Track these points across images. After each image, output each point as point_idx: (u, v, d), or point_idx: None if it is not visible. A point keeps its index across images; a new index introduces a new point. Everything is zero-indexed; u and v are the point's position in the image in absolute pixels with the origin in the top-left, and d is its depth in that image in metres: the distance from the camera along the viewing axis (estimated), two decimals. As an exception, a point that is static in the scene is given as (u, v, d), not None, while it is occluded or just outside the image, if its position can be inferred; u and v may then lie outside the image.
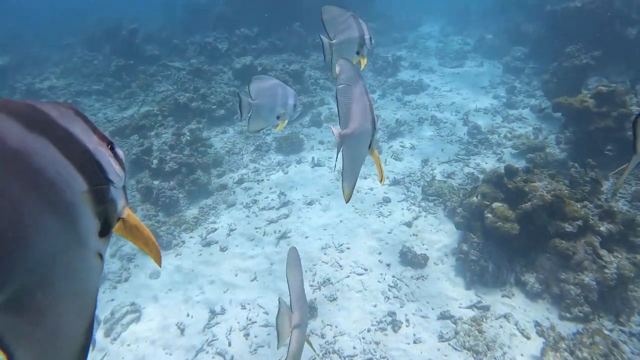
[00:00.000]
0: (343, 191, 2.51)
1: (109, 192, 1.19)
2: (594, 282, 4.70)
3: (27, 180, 0.92)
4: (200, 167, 8.41)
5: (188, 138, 9.33)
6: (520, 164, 8.04)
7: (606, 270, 4.72)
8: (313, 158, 8.82)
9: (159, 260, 1.40)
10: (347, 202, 2.55)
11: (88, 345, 1.12)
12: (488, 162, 8.37)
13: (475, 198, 5.95)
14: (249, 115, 3.98)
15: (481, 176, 7.87)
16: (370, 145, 2.46)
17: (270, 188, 8.16)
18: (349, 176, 2.51)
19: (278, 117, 4.03)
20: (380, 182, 2.59)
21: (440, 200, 7.35)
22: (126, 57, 14.12)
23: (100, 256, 1.15)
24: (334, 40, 3.39)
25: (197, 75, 12.82)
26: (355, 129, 2.31)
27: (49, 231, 0.95)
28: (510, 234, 5.35)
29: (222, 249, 6.75)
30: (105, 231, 1.17)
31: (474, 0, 21.39)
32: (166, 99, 11.13)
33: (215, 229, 7.21)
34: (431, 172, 8.21)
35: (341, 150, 2.34)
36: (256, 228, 7.16)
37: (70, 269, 1.05)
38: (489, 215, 5.56)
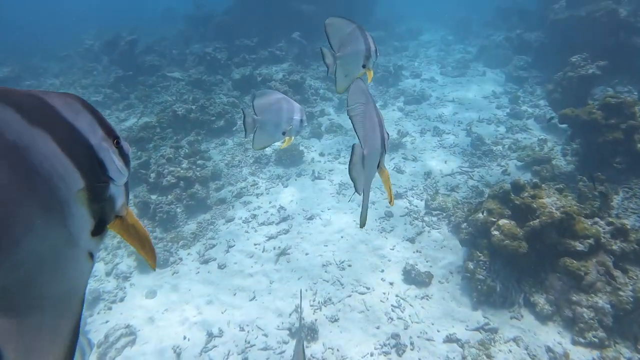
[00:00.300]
0: (360, 216, 2.46)
1: (107, 190, 1.16)
2: (609, 305, 4.50)
3: (21, 176, 0.90)
4: (199, 180, 8.23)
5: (187, 151, 9.18)
6: (526, 176, 7.87)
7: (621, 293, 4.52)
8: (313, 171, 8.64)
9: (154, 263, 1.33)
10: (362, 227, 2.51)
11: (75, 345, 1.08)
12: (492, 175, 8.18)
13: (480, 214, 5.76)
14: (254, 132, 3.80)
15: (486, 189, 7.70)
16: (379, 165, 2.39)
17: (270, 202, 7.98)
18: (366, 197, 2.43)
19: (284, 133, 3.83)
20: (390, 203, 2.46)
21: (444, 214, 7.16)
22: (125, 68, 14.00)
23: (91, 255, 1.12)
24: (338, 54, 3.22)
25: (197, 86, 12.69)
26: (370, 150, 2.25)
27: (38, 229, 0.93)
28: (518, 253, 5.15)
29: (221, 267, 6.55)
30: (99, 230, 1.13)
31: (475, 8, 21.35)
32: (165, 110, 10.98)
33: (214, 245, 7.02)
34: (434, 185, 8.03)
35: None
36: (255, 244, 6.97)
37: (59, 269, 1.02)
38: (496, 232, 5.37)
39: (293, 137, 3.93)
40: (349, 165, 2.28)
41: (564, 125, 8.25)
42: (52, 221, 0.97)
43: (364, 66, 3.30)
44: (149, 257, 1.32)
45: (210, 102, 10.95)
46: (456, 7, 23.07)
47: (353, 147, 2.24)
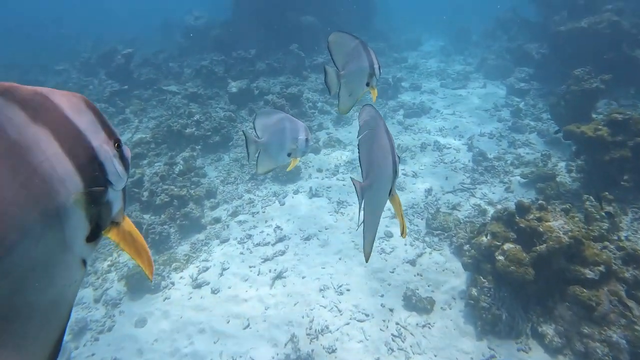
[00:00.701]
0: (364, 249, 2.33)
1: (105, 195, 1.13)
2: (624, 340, 4.23)
3: (19, 176, 0.87)
4: (193, 199, 7.99)
5: (181, 167, 8.95)
6: (530, 194, 7.64)
7: (637, 327, 4.25)
8: (311, 188, 8.40)
9: (150, 273, 1.29)
10: (367, 261, 2.40)
11: (57, 356, 1.05)
12: (495, 192, 7.94)
13: (484, 238, 5.51)
14: (257, 155, 3.55)
15: (488, 208, 7.46)
16: (390, 192, 2.29)
17: (266, 221, 7.73)
18: (369, 230, 2.33)
19: (289, 154, 3.60)
20: (402, 234, 2.26)
21: (446, 235, 6.91)
22: (121, 82, 13.82)
23: (84, 263, 1.09)
24: (342, 72, 3.02)
25: (193, 99, 12.49)
26: (374, 180, 2.18)
27: (32, 233, 0.89)
28: (525, 280, 4.90)
29: (214, 291, 6.29)
30: (94, 236, 1.10)
31: (475, 19, 21.24)
32: (160, 125, 10.77)
33: (207, 268, 6.76)
34: (435, 203, 7.79)
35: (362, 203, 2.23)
36: (250, 267, 6.72)
37: (50, 276, 0.98)
38: (501, 258, 5.12)
39: (299, 158, 3.70)
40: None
41: (568, 141, 8.02)
42: (48, 224, 0.93)
43: (367, 84, 3.12)
44: (146, 267, 1.28)
45: (206, 116, 10.74)
46: (455, 16, 22.97)
47: (352, 181, 2.12)
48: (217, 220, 7.89)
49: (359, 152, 2.17)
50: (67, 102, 1.04)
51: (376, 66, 3.06)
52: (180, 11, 21.48)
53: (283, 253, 6.92)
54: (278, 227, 7.51)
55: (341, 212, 7.76)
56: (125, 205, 1.26)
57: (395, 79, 13.64)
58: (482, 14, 21.21)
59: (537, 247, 4.98)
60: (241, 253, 7.03)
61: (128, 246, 1.25)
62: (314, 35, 16.11)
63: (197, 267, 6.83)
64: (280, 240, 7.22)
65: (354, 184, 2.23)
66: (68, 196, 0.98)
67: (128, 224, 1.26)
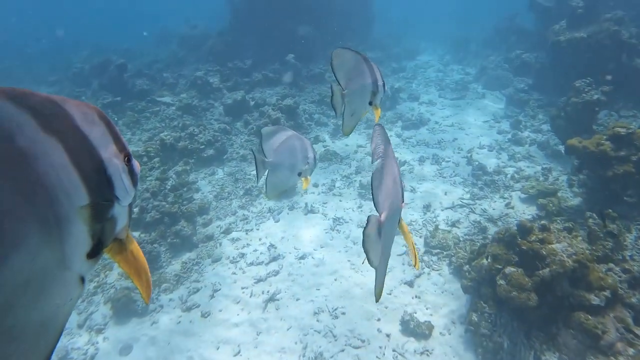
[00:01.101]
0: (375, 288, 2.18)
1: (111, 209, 1.09)
2: (632, 375, 4.00)
3: (21, 184, 0.84)
4: (184, 216, 7.76)
5: (174, 182, 8.73)
6: (531, 210, 7.43)
7: (646, 360, 4.03)
8: (306, 204, 8.18)
9: (147, 296, 1.24)
10: (377, 302, 2.27)
11: None
12: (495, 208, 7.72)
13: (485, 260, 5.29)
14: (266, 178, 3.35)
15: (488, 224, 7.24)
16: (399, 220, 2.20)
17: (260, 239, 7.51)
18: (382, 268, 2.15)
19: (299, 174, 3.41)
20: (415, 265, 2.23)
21: (445, 254, 6.68)
22: (114, 93, 13.65)
23: (82, 280, 1.04)
24: (345, 90, 2.83)
25: (187, 111, 12.30)
26: (390, 213, 2.03)
27: (30, 246, 0.84)
28: (527, 305, 4.67)
29: (204, 315, 6.05)
30: (95, 252, 1.05)
31: (473, 28, 21.12)
32: (152, 138, 10.57)
33: (198, 290, 6.53)
34: (434, 219, 7.56)
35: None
36: (242, 288, 6.48)
37: (45, 293, 0.92)
38: (502, 282, 4.89)
39: (310, 177, 3.49)
40: (363, 236, 1.95)
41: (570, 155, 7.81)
42: (47, 238, 0.89)
43: (370, 103, 2.94)
44: (144, 289, 1.23)
45: (200, 129, 10.55)
46: (454, 25, 22.85)
47: (368, 218, 1.93)
48: (209, 237, 7.66)
49: (372, 183, 2.01)
50: (79, 112, 1.01)
51: (380, 84, 2.89)
52: (177, 20, 21.38)
53: (277, 273, 6.69)
54: (272, 245, 7.28)
55: (337, 230, 7.53)
56: (130, 222, 1.20)
57: (393, 89, 13.46)
58: (481, 23, 21.10)
59: (540, 272, 4.76)
60: (233, 273, 6.80)
61: (128, 265, 1.20)
62: (311, 45, 15.95)
63: (187, 288, 6.59)
64: (274, 259, 6.99)
65: (374, 222, 2.01)
66: (71, 209, 0.94)
67: (131, 241, 1.21)
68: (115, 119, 12.60)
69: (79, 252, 0.99)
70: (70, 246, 0.96)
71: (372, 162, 2.11)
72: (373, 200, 2.00)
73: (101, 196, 1.04)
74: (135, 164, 1.20)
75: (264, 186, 3.40)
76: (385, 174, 2.06)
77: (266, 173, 3.35)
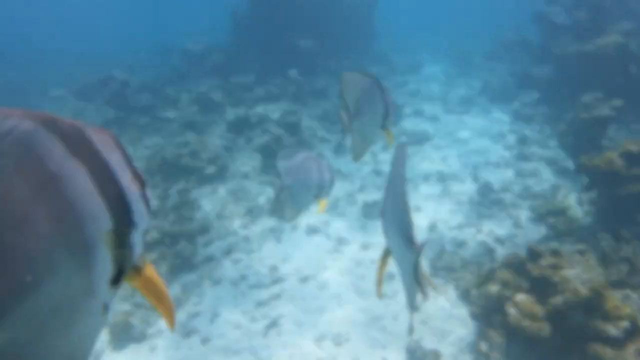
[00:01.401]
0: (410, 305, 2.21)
1: (131, 236, 1.09)
2: (654, 415, 3.79)
3: (55, 210, 0.84)
4: (185, 236, 7.60)
5: (175, 201, 8.59)
6: (540, 230, 7.24)
7: (669, 399, 3.81)
8: (308, 224, 8.00)
9: (172, 323, 1.24)
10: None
11: None
12: (503, 228, 7.53)
13: (493, 286, 5.08)
14: (283, 201, 3.30)
15: (496, 246, 7.04)
16: None
17: (261, 260, 7.33)
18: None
19: (316, 196, 3.37)
20: (424, 298, 2.18)
21: (451, 277, 6.48)
22: (117, 109, 13.61)
23: (106, 308, 1.04)
24: (355, 116, 2.71)
25: (189, 127, 12.20)
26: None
27: (63, 272, 0.84)
28: (540, 336, 4.46)
29: (204, 341, 5.86)
30: (117, 279, 1.07)
31: (476, 40, 21.03)
32: (154, 155, 10.45)
33: (198, 314, 6.34)
34: (439, 240, 7.36)
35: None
36: (243, 312, 6.30)
37: (73, 322, 0.91)
38: (512, 310, 4.69)
39: (327, 198, 3.46)
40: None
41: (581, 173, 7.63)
42: (77, 264, 0.89)
43: (382, 126, 2.83)
44: (168, 315, 1.24)
45: (202, 146, 10.43)
46: (456, 38, 22.77)
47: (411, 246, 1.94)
48: (210, 258, 7.49)
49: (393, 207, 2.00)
50: (99, 139, 1.03)
51: (392, 107, 2.79)
52: (180, 34, 21.40)
53: (278, 297, 6.50)
54: (274, 267, 7.10)
55: (340, 251, 7.35)
56: (144, 249, 1.21)
57: (397, 104, 13.31)
58: (484, 35, 21.00)
59: (552, 300, 4.56)
60: (234, 297, 6.61)
61: (148, 292, 1.21)
62: (313, 59, 15.88)
63: (187, 312, 6.41)
64: (276, 282, 6.80)
65: (417, 247, 1.95)
66: (98, 234, 0.95)
67: (149, 269, 1.22)
68: (120, 135, 12.49)
69: (103, 279, 1.00)
70: (96, 273, 0.96)
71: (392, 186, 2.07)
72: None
73: (123, 222, 1.05)
74: (149, 192, 1.21)
75: (279, 207, 3.32)
76: (402, 198, 2.02)
77: (281, 194, 3.28)
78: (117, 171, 1.06)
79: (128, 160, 1.13)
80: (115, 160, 1.06)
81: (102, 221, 0.96)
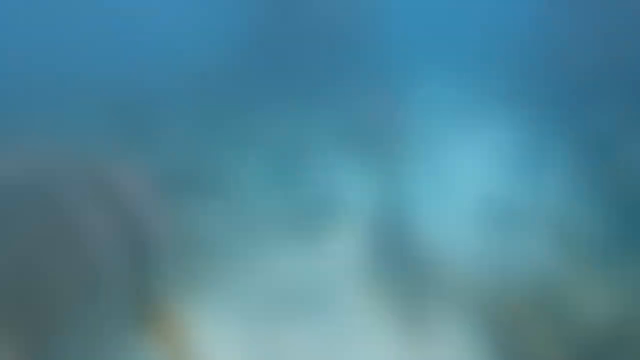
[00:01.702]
0: None
1: (148, 273, 0.93)
2: None
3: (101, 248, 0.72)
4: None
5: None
6: (556, 252, 6.88)
7: None
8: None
9: None
10: None
11: None
12: (516, 251, 7.19)
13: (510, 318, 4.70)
14: None
15: (509, 273, 6.72)
16: None
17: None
18: None
19: None
20: None
21: (462, 306, 6.10)
22: (124, 133, 13.57)
23: (127, 342, 0.84)
24: None
25: (190, 147, 12.09)
26: None
27: (103, 300, 0.86)
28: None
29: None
30: (137, 314, 0.88)
31: (481, 51, 20.95)
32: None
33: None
34: (450, 264, 7.02)
35: None
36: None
37: (102, 349, 0.85)
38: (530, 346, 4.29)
39: None
40: None
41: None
42: (110, 296, 0.77)
43: None
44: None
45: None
46: (464, 48, 22.71)
47: None
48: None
49: None
50: (123, 185, 0.99)
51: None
52: (175, 54, 21.60)
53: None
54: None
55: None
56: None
57: (400, 122, 13.15)
58: (489, 47, 20.90)
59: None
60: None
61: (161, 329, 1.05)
62: (315, 77, 15.81)
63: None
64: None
65: None
66: (124, 271, 0.90)
67: (166, 306, 1.19)
68: (123, 159, 12.44)
69: (125, 312, 1.07)
70: (120, 306, 0.94)
71: None
72: None
73: (142, 261, 1.17)
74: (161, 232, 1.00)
75: None
76: None
77: None
78: (138, 216, 1.13)
79: (143, 204, 1.09)
80: (134, 205, 1.15)
81: (126, 259, 0.98)
